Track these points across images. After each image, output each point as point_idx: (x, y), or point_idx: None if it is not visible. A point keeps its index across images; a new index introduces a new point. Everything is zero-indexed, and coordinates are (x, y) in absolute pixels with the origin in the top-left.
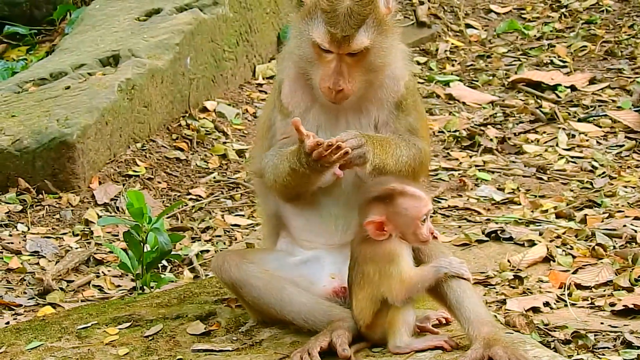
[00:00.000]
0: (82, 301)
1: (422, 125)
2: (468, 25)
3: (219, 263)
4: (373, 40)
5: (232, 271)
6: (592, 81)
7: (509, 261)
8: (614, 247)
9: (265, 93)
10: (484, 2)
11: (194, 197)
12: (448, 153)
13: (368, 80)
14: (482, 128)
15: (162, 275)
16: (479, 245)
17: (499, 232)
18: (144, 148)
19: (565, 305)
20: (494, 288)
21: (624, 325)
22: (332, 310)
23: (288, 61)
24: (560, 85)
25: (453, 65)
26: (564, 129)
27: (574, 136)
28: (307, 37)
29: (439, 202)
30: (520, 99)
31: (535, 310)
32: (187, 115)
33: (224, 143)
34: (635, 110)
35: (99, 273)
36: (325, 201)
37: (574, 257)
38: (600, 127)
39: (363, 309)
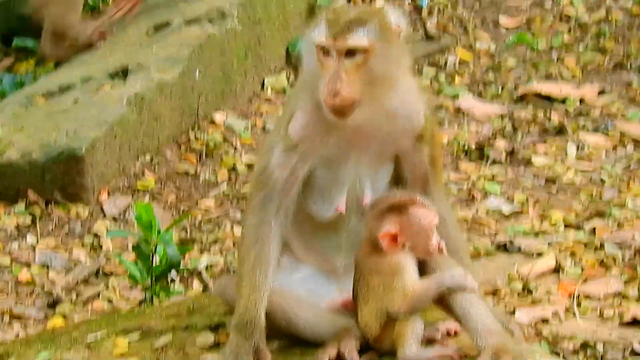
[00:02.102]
0: (91, 313)
1: (440, 153)
2: (477, 38)
3: (221, 287)
4: (374, 45)
5: (234, 294)
6: (601, 93)
7: (517, 272)
8: (623, 258)
9: (275, 106)
10: (493, 15)
11: (203, 210)
12: (457, 165)
13: (371, 93)
14: (491, 140)
15: (171, 288)
16: (487, 257)
17: (507, 243)
18: (153, 161)
19: (574, 316)
20: (503, 299)
21: (633, 335)
22: (338, 321)
23: (303, 92)
24: (569, 97)
25: (462, 78)
26: (573, 141)
27: (583, 148)
28: (311, 45)
29: None
30: (529, 112)
31: (544, 320)
32: (196, 128)
33: (233, 156)
34: None
35: (108, 285)
36: (329, 232)
37: (582, 268)
38: (609, 139)
39: (369, 322)
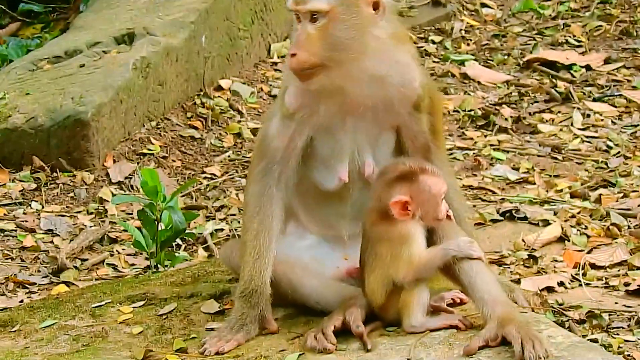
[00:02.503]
0: (96, 280)
1: (441, 122)
2: (483, 5)
3: (227, 253)
4: (335, 8)
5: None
6: (607, 61)
7: (523, 241)
8: (629, 227)
9: (281, 72)
10: None
11: (209, 176)
12: (463, 132)
13: (338, 58)
14: (497, 107)
15: (176, 254)
16: (493, 225)
17: (513, 211)
18: (159, 126)
19: (580, 285)
20: (509, 267)
21: (639, 305)
22: (344, 290)
23: None
24: (575, 64)
25: (468, 45)
26: (578, 108)
27: (588, 116)
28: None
29: None
30: (535, 79)
31: (550, 289)
32: (201, 93)
33: (239, 122)
34: None
35: (113, 251)
36: (334, 201)
37: (588, 236)
38: (615, 106)
39: (375, 290)
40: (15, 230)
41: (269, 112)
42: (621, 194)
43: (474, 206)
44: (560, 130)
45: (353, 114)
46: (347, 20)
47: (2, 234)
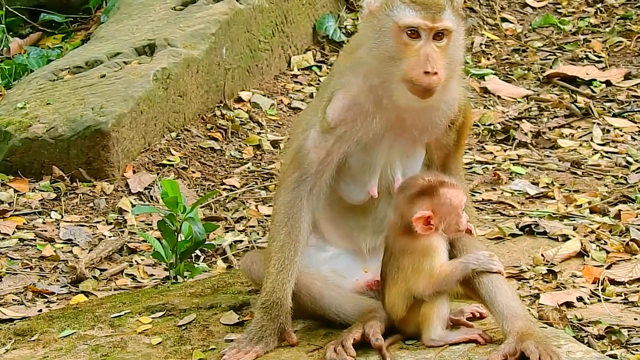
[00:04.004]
0: (115, 290)
1: (466, 136)
2: (504, 19)
3: (247, 264)
4: (455, 26)
5: (260, 272)
6: (627, 76)
7: (542, 255)
8: None
9: (301, 84)
10: None
11: (228, 187)
12: (482, 146)
13: (448, 77)
14: (516, 122)
15: (196, 265)
16: (512, 239)
17: (532, 226)
18: (179, 137)
19: (599, 301)
20: (528, 282)
21: None
22: (363, 302)
23: (352, 75)
24: (595, 80)
25: (488, 59)
26: (598, 124)
27: (608, 131)
28: (391, 27)
29: (473, 195)
30: (555, 94)
31: (569, 305)
32: (222, 105)
33: (259, 133)
34: None
35: (132, 262)
36: (357, 214)
37: (607, 252)
38: (635, 122)
39: (396, 304)
40: (35, 240)
41: (306, 123)
42: None
43: (493, 220)
44: (580, 145)
45: (394, 131)
46: (459, 41)
47: (22, 243)
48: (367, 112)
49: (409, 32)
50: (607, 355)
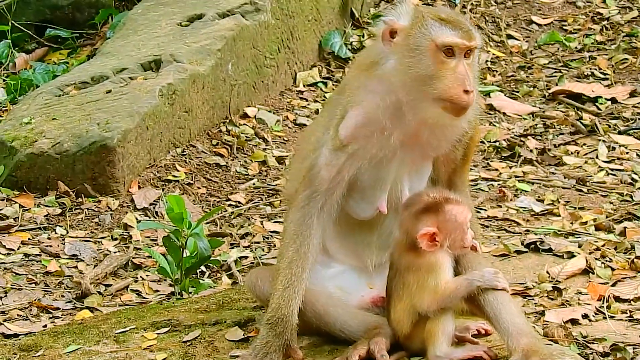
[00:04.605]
0: (120, 305)
1: (473, 152)
2: (509, 36)
3: (252, 280)
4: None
5: (265, 288)
6: (632, 94)
7: (548, 272)
8: None
9: (306, 100)
10: (525, 13)
11: (234, 203)
12: (488, 163)
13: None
14: (522, 139)
15: (201, 281)
16: (518, 256)
17: (538, 243)
18: (184, 153)
19: (604, 318)
20: (533, 299)
21: None
22: (368, 319)
23: (367, 92)
24: (600, 97)
25: (494, 76)
26: (604, 141)
27: (614, 149)
28: (427, 45)
29: (479, 212)
30: (561, 111)
31: (574, 322)
32: (227, 121)
33: (264, 149)
34: None
35: (137, 277)
36: (363, 230)
37: (613, 269)
38: None
39: (401, 320)
40: (40, 255)
41: (316, 140)
42: None
43: (499, 237)
44: (586, 162)
45: (407, 147)
46: (477, 59)
47: (27, 259)
48: (383, 128)
49: (446, 50)
50: None
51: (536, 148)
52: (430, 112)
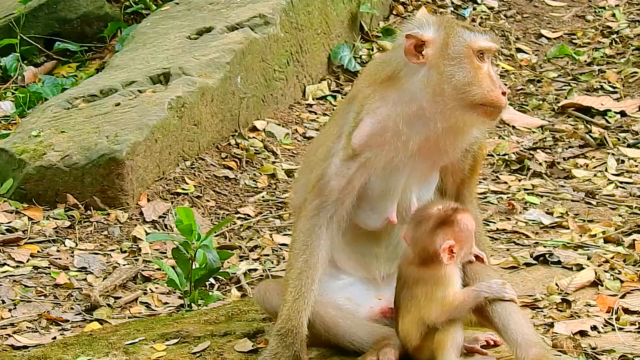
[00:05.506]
0: (129, 318)
1: (481, 163)
2: (519, 50)
3: (261, 293)
4: None
5: (274, 301)
6: None
7: (557, 285)
8: None
9: (315, 114)
10: (535, 26)
11: (243, 216)
12: (497, 176)
13: None
14: (531, 152)
15: (210, 293)
16: (527, 269)
17: (547, 255)
18: (193, 166)
19: (613, 330)
20: (542, 311)
21: None
22: (377, 330)
23: (383, 101)
24: (610, 110)
25: None
26: (613, 154)
27: (623, 162)
28: (464, 52)
29: (488, 225)
30: (570, 124)
31: (583, 334)
32: (236, 134)
33: (273, 163)
34: None
35: (146, 290)
36: (371, 241)
37: (622, 281)
38: None
39: (410, 332)
40: (49, 268)
41: (327, 150)
42: None
43: (508, 250)
44: (595, 175)
45: (419, 156)
46: None
47: (36, 271)
48: (400, 134)
49: (480, 55)
50: None
51: (545, 161)
52: (465, 118)
